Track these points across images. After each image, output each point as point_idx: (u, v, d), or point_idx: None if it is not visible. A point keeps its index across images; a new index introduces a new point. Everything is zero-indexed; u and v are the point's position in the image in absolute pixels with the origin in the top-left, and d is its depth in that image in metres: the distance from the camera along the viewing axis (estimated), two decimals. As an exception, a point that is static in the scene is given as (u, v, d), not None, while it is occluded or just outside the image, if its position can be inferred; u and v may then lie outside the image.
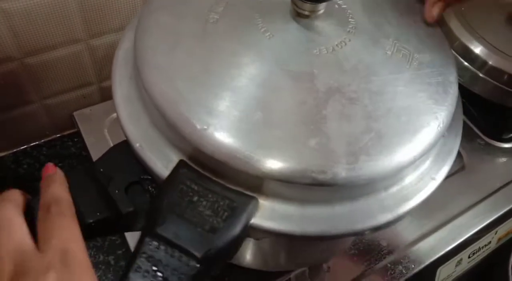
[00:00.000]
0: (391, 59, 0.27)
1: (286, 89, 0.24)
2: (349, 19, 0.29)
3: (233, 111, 0.23)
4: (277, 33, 0.27)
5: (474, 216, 0.48)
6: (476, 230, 0.47)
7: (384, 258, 0.44)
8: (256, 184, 0.23)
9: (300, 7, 0.27)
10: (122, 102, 0.26)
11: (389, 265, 0.44)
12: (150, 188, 0.25)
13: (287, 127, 0.23)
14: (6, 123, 0.52)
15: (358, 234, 0.24)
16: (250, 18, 0.27)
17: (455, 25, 0.55)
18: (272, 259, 0.33)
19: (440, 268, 0.46)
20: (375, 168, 0.23)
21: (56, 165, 0.28)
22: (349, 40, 0.28)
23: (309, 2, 0.26)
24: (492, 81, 0.54)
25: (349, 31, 0.28)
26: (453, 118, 0.27)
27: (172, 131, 0.24)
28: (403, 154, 0.24)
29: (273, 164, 0.22)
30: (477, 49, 0.54)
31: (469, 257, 0.49)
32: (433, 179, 0.27)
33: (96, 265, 0.47)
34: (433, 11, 0.30)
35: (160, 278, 0.21)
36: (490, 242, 0.50)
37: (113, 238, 0.50)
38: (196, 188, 0.23)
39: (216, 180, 0.23)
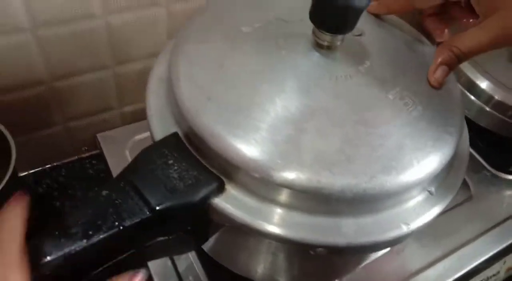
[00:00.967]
0: (391, 104, 0.29)
1: (287, 103, 0.27)
2: (365, 60, 0.31)
3: (228, 105, 0.27)
4: (294, 56, 0.30)
5: (482, 245, 0.49)
6: (484, 259, 0.48)
7: (392, 284, 0.45)
8: (227, 169, 0.26)
9: (319, 37, 0.29)
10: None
11: (397, 292, 0.45)
12: None
13: (270, 126, 0.26)
14: (29, 143, 0.54)
15: (318, 246, 0.26)
16: (275, 44, 0.30)
17: (461, 61, 0.58)
18: (283, 273, 0.35)
19: (449, 296, 0.46)
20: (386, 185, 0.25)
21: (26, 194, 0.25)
22: (356, 76, 0.29)
23: (327, 33, 0.29)
24: (498, 114, 0.56)
25: (360, 69, 0.30)
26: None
27: (177, 108, 0.27)
28: (405, 179, 0.26)
29: (244, 152, 0.25)
30: (483, 84, 0.56)
31: (477, 286, 0.50)
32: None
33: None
34: (437, 74, 0.30)
35: (114, 213, 0.24)
36: (498, 272, 0.51)
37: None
38: (175, 155, 0.26)
39: (195, 155, 0.26)
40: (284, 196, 0.25)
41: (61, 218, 0.23)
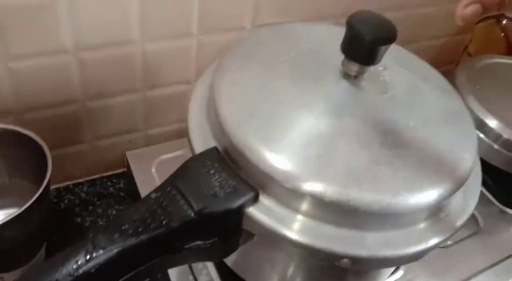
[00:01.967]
0: (412, 130, 0.31)
1: (319, 124, 0.30)
2: (388, 90, 0.34)
3: (266, 123, 0.30)
4: (326, 83, 0.33)
5: (490, 277, 0.51)
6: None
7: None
8: (262, 181, 0.28)
9: (348, 67, 0.32)
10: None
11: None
12: None
13: (304, 143, 0.29)
14: (56, 159, 0.57)
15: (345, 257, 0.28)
16: (309, 72, 0.34)
17: (471, 101, 0.61)
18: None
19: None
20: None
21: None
22: (381, 104, 0.33)
23: (356, 63, 0.32)
24: (506, 152, 0.58)
25: (384, 97, 0.33)
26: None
27: (218, 126, 0.30)
28: (424, 198, 0.28)
29: (279, 165, 0.27)
30: (492, 123, 0.59)
31: (486, 319, 0.50)
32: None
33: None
34: (467, 10, 0.27)
35: (162, 214, 0.26)
36: (506, 305, 0.52)
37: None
38: (216, 165, 0.29)
39: (233, 167, 0.29)
40: (313, 207, 0.28)
41: (115, 217, 0.25)
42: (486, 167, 0.59)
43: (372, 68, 0.33)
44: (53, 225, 0.55)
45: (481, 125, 0.60)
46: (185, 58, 0.54)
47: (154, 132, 0.61)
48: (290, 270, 0.34)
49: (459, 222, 0.31)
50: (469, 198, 0.33)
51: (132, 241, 0.24)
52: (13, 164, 0.49)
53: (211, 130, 0.32)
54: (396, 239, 0.28)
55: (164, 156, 0.56)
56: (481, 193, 0.60)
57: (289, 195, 0.28)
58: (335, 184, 0.27)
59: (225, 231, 0.28)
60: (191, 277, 0.43)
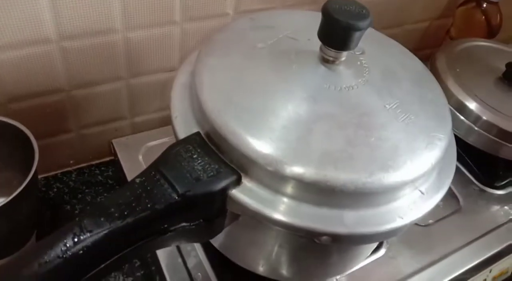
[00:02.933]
0: (387, 112, 0.32)
1: (297, 108, 0.31)
2: (365, 74, 0.35)
3: (246, 108, 0.30)
4: (303, 69, 0.34)
5: (470, 253, 0.52)
6: (471, 266, 0.51)
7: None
8: (244, 164, 0.29)
9: (325, 53, 0.33)
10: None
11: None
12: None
13: (283, 127, 0.30)
14: (43, 149, 0.57)
15: (318, 235, 0.29)
16: (287, 58, 0.34)
17: (451, 84, 0.62)
18: (287, 267, 0.38)
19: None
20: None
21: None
22: (357, 87, 0.34)
23: (333, 50, 0.33)
24: (485, 133, 0.60)
25: (360, 81, 0.34)
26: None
27: (200, 112, 0.31)
28: (400, 176, 0.29)
29: (260, 149, 0.28)
30: (472, 105, 0.60)
31: (465, 294, 0.53)
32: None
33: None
34: None
35: (147, 197, 0.27)
36: (485, 280, 0.54)
37: (133, 261, 0.53)
38: (199, 150, 0.30)
39: (216, 152, 0.30)
40: (293, 188, 0.29)
41: (101, 201, 0.26)
42: (466, 148, 0.61)
43: (349, 53, 0.34)
44: (43, 214, 0.56)
45: (461, 107, 0.61)
46: (168, 45, 0.55)
47: (140, 120, 0.62)
48: (275, 249, 0.35)
49: (434, 200, 0.32)
50: (444, 177, 0.34)
51: (118, 223, 0.25)
52: (0, 155, 0.50)
53: (194, 116, 0.32)
54: (373, 217, 0.29)
55: (151, 143, 0.57)
56: (461, 173, 0.63)
57: (270, 177, 0.29)
58: (313, 165, 0.28)
59: (210, 213, 0.30)
60: (179, 259, 0.44)
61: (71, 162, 0.62)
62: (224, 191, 0.29)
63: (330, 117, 0.31)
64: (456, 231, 0.55)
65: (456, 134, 0.60)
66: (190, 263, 0.44)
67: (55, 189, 0.60)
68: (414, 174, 0.30)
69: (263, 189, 0.29)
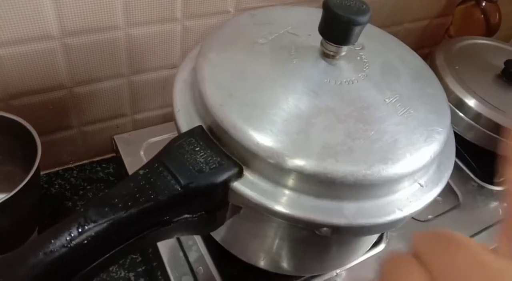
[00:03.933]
0: (387, 106, 0.33)
1: (298, 102, 0.31)
2: (365, 69, 0.35)
3: (247, 102, 0.31)
4: (304, 63, 0.34)
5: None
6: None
7: None
8: (246, 156, 0.30)
9: (326, 47, 0.34)
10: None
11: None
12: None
13: (284, 120, 0.30)
14: (45, 145, 0.58)
15: (318, 226, 0.29)
16: (288, 53, 0.35)
17: (450, 81, 0.63)
18: (288, 260, 0.38)
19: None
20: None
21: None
22: (357, 81, 0.34)
23: (333, 44, 0.33)
24: (483, 130, 0.60)
25: (360, 75, 0.35)
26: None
27: (202, 106, 0.32)
28: (399, 168, 0.30)
29: (262, 142, 0.29)
30: (470, 102, 0.61)
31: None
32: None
33: (116, 281, 0.51)
34: None
35: (150, 189, 0.28)
36: (483, 275, 0.54)
37: (134, 256, 0.54)
38: (201, 143, 0.30)
39: (218, 144, 0.30)
40: (294, 180, 0.29)
41: (105, 192, 0.26)
42: (465, 144, 0.62)
43: (349, 48, 0.34)
44: (45, 210, 0.56)
45: (460, 104, 0.62)
46: (170, 42, 0.55)
47: (141, 117, 0.62)
48: (276, 242, 0.36)
49: (434, 193, 0.33)
50: (443, 170, 0.34)
51: (122, 214, 0.26)
52: (2, 151, 0.50)
53: (196, 111, 0.33)
54: (372, 209, 0.30)
55: (152, 140, 0.58)
56: (460, 169, 0.63)
57: (272, 170, 0.29)
58: (314, 158, 0.28)
59: (212, 205, 0.30)
60: (181, 253, 0.44)
61: (72, 158, 0.62)
62: (226, 183, 0.29)
63: (331, 111, 0.31)
64: (455, 226, 0.55)
65: (455, 130, 0.60)
66: (192, 257, 0.44)
67: (56, 186, 0.60)
68: (413, 166, 0.30)
69: (265, 181, 0.30)
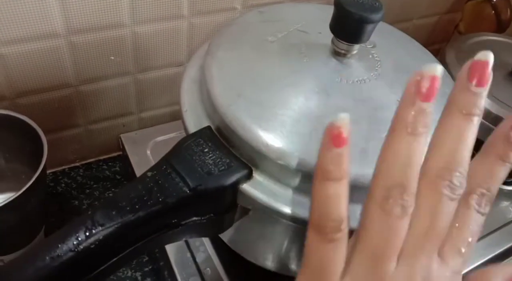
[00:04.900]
0: None
1: (309, 102, 0.31)
2: (376, 67, 0.35)
3: (257, 102, 0.30)
4: (314, 62, 0.34)
5: (479, 250, 0.52)
6: (480, 263, 0.51)
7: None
8: (255, 158, 0.29)
9: (337, 46, 0.33)
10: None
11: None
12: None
13: (294, 120, 0.29)
14: (51, 144, 0.57)
15: None
16: (298, 51, 0.34)
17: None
18: (297, 261, 0.37)
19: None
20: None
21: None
22: (369, 81, 0.33)
23: (344, 43, 0.32)
24: (494, 127, 0.59)
25: (372, 74, 0.34)
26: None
27: (210, 106, 0.31)
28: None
29: (271, 143, 0.28)
30: (481, 100, 0.60)
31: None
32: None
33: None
34: None
35: (158, 191, 0.27)
36: (494, 276, 0.53)
37: (142, 256, 0.53)
38: (210, 144, 0.30)
39: (227, 146, 0.30)
40: (304, 182, 0.29)
41: (112, 195, 0.26)
42: (477, 143, 0.60)
43: (360, 46, 0.33)
44: (51, 209, 0.56)
45: (470, 102, 0.60)
46: (176, 40, 0.55)
47: (148, 115, 0.62)
48: (284, 244, 0.35)
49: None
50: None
51: (130, 217, 0.25)
52: (9, 149, 0.50)
53: (204, 110, 0.32)
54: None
55: (159, 138, 0.57)
56: (471, 168, 0.62)
57: (281, 171, 0.29)
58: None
59: (220, 207, 0.29)
60: (188, 254, 0.44)
61: (78, 157, 0.62)
62: (235, 185, 0.28)
63: (342, 111, 0.30)
64: (465, 227, 0.54)
65: (466, 129, 0.59)
66: (199, 258, 0.44)
67: (63, 184, 0.60)
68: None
69: (274, 183, 0.29)
